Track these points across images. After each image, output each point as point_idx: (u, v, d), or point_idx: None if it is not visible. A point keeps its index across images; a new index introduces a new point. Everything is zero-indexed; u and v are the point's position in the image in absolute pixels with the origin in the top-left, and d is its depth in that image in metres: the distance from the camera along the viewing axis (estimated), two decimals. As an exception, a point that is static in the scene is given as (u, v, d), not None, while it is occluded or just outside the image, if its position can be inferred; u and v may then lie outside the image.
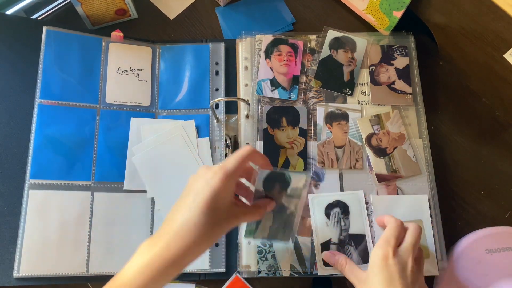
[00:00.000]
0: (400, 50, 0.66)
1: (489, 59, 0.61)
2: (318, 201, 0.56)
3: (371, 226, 0.56)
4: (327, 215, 0.56)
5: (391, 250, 0.46)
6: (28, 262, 0.52)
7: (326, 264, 0.54)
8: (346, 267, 0.51)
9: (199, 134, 0.61)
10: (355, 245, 0.55)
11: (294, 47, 0.65)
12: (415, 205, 0.58)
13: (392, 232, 0.48)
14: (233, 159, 0.42)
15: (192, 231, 0.39)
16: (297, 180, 0.46)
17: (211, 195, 0.39)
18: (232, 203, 0.42)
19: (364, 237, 0.55)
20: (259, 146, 0.60)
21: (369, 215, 0.57)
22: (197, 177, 0.41)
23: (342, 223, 0.55)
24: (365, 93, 0.63)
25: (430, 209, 0.58)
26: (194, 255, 0.40)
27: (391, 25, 0.66)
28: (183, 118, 0.62)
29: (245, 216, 0.45)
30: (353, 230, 0.55)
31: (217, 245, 0.56)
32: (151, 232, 0.56)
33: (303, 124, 0.61)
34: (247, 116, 0.62)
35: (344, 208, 0.56)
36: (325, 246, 0.55)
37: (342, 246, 0.54)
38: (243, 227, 0.54)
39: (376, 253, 0.47)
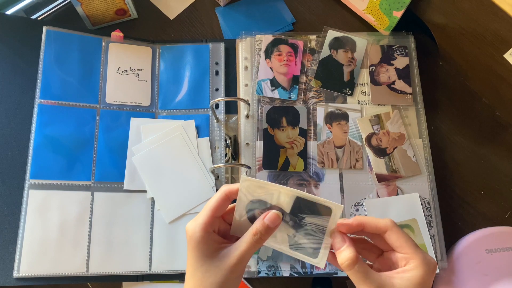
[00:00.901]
0: (400, 50, 0.66)
1: (489, 59, 0.61)
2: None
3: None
4: (251, 219, 0.40)
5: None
6: (28, 262, 0.52)
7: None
8: (356, 267, 0.36)
9: (199, 134, 0.61)
10: (308, 210, 0.38)
11: (294, 47, 0.65)
12: (408, 204, 0.58)
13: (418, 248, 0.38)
14: (203, 212, 0.40)
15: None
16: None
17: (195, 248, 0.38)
18: (220, 248, 0.39)
19: (302, 196, 0.38)
20: (259, 146, 0.60)
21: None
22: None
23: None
24: (365, 93, 0.63)
25: (429, 209, 0.58)
26: None
27: (391, 25, 0.66)
28: (183, 118, 0.62)
29: (240, 248, 0.38)
30: (283, 204, 0.39)
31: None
32: (151, 232, 0.56)
33: (303, 124, 0.61)
34: (247, 116, 0.62)
35: (259, 205, 0.40)
36: (295, 245, 0.40)
37: (301, 227, 0.39)
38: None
39: (419, 273, 0.36)
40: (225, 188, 0.40)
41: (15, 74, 0.59)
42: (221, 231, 0.41)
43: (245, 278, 0.55)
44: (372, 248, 0.41)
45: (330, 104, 0.63)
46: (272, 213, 0.38)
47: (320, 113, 0.62)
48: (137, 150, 0.59)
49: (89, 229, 0.55)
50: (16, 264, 0.52)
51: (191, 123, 0.61)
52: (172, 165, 0.59)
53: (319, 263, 0.39)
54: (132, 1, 0.66)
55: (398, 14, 0.64)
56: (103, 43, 0.63)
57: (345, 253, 0.36)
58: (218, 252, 0.38)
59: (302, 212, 0.38)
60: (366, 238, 0.42)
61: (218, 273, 0.38)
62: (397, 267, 0.38)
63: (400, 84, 0.64)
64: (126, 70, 0.63)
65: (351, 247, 0.37)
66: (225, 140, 0.61)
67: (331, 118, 0.62)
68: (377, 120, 0.62)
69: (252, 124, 0.62)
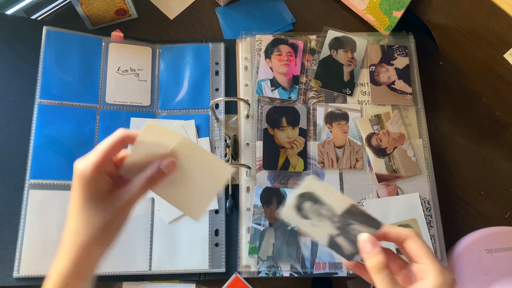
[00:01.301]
0: (400, 50, 0.66)
1: (489, 59, 0.61)
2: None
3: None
4: (305, 217, 0.42)
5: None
6: (28, 262, 0.52)
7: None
8: (386, 271, 0.37)
9: (199, 134, 0.61)
10: (357, 219, 0.40)
11: (294, 47, 0.65)
12: (408, 204, 0.58)
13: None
14: (95, 153, 0.38)
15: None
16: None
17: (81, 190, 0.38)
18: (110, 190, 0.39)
19: (357, 206, 0.41)
20: (259, 146, 0.60)
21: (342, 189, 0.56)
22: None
23: (324, 212, 0.42)
24: (365, 93, 0.63)
25: (429, 209, 0.58)
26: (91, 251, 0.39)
27: (391, 25, 0.66)
28: (183, 118, 0.62)
29: (132, 191, 0.39)
30: (338, 209, 0.41)
31: (216, 245, 0.56)
32: (151, 232, 0.56)
33: (303, 124, 0.61)
34: (247, 116, 0.62)
35: (311, 199, 0.41)
36: (333, 244, 0.41)
37: (346, 232, 0.41)
38: (245, 237, 0.50)
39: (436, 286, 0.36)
40: (121, 132, 0.39)
41: (15, 74, 0.59)
42: (110, 174, 0.40)
43: (245, 278, 0.55)
44: (396, 259, 0.41)
45: (330, 104, 0.63)
46: (168, 160, 0.39)
47: (320, 113, 0.62)
48: (137, 150, 0.59)
49: (89, 229, 0.55)
50: (16, 264, 0.52)
51: (191, 123, 0.61)
52: (172, 165, 0.59)
53: (349, 263, 0.41)
54: (132, 1, 0.66)
55: (398, 14, 0.64)
56: (103, 43, 0.63)
57: (378, 257, 0.37)
58: (108, 194, 0.38)
59: (352, 218, 0.40)
60: (391, 249, 0.42)
61: (108, 214, 0.38)
62: (416, 280, 0.38)
63: (400, 84, 0.64)
64: (126, 70, 0.63)
65: (383, 253, 0.37)
66: (225, 140, 0.61)
67: (331, 118, 0.62)
68: (377, 120, 0.62)
69: (252, 124, 0.62)
